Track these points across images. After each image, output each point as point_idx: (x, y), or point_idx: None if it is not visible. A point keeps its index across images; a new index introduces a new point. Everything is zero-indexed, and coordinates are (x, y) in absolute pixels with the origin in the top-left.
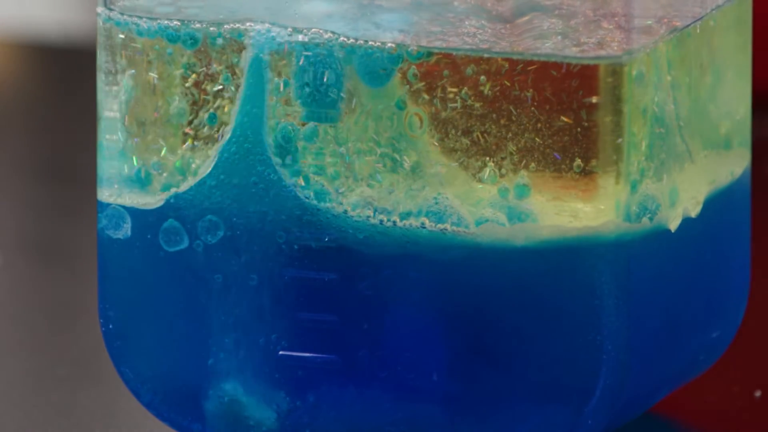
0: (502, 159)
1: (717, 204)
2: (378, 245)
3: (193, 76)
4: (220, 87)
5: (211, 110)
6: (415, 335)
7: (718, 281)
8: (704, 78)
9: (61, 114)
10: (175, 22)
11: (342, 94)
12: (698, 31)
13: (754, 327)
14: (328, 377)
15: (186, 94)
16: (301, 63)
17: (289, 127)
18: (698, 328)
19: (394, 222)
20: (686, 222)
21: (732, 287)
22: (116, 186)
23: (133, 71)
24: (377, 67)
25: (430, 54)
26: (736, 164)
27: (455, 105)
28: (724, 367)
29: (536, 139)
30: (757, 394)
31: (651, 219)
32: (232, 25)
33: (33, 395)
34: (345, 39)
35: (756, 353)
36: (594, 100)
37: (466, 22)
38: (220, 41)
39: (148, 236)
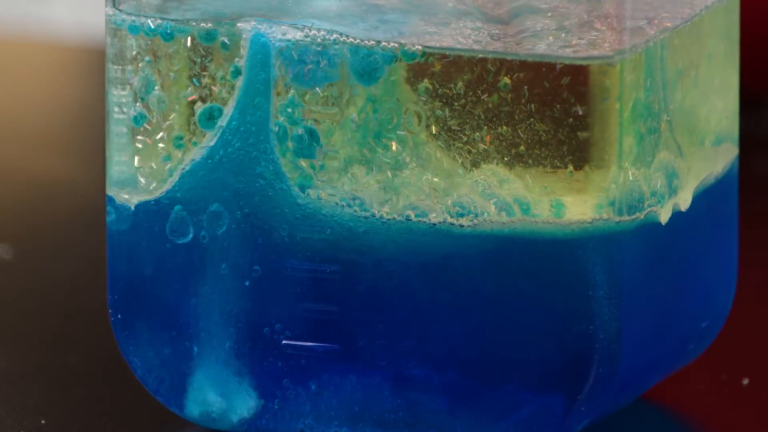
0: (497, 155)
1: (706, 198)
2: (378, 238)
3: (198, 72)
4: (224, 83)
5: (216, 106)
6: (413, 325)
7: (707, 272)
8: (694, 77)
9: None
10: (180, 21)
11: (341, 91)
12: (688, 31)
13: (741, 317)
14: (329, 366)
15: (191, 90)
16: (301, 60)
17: (291, 123)
18: (688, 318)
19: (394, 216)
20: (676, 215)
21: (720, 278)
22: (124, 180)
23: (140, 69)
24: (376, 65)
25: (427, 53)
26: (725, 159)
27: (452, 103)
28: (713, 356)
29: (530, 135)
30: (745, 381)
31: (642, 212)
32: (234, 22)
33: (42, 385)
34: (345, 37)
35: (743, 342)
36: (586, 98)
37: (462, 24)
38: (222, 38)
39: (155, 229)
